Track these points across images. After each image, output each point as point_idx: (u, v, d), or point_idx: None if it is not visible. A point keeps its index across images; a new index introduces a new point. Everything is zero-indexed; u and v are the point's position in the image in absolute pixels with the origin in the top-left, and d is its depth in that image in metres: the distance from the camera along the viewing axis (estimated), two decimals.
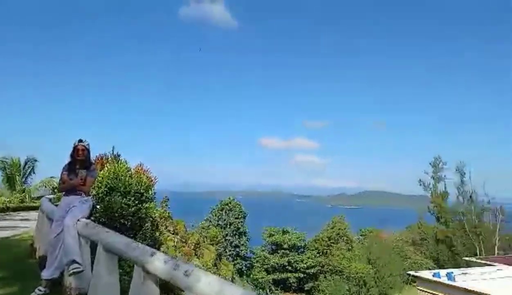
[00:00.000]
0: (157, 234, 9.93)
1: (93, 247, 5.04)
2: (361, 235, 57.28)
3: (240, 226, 43.42)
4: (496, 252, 50.97)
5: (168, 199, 24.90)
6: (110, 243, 4.41)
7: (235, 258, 41.82)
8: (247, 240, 44.16)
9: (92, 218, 6.96)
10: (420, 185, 63.17)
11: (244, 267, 42.87)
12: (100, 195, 7.63)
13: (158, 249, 10.41)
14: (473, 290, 16.40)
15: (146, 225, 8.40)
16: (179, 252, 22.62)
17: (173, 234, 23.97)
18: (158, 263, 3.36)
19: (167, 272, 3.18)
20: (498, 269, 19.26)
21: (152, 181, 8.80)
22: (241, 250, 43.07)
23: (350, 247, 44.45)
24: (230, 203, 44.62)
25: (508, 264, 20.71)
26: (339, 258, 41.68)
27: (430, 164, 62.69)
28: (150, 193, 8.29)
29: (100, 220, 7.39)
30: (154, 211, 8.84)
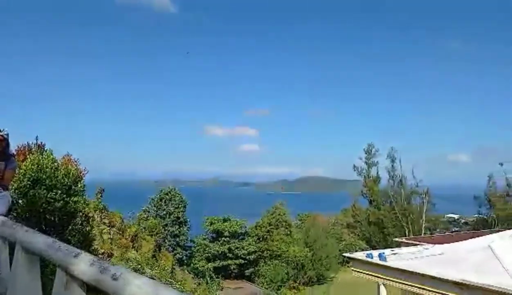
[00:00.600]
0: (88, 229, 9.36)
1: (12, 247, 4.55)
2: (299, 220, 58.88)
3: (180, 216, 42.78)
4: (423, 232, 54.71)
5: (103, 190, 23.82)
6: (29, 243, 3.97)
7: (175, 248, 41.21)
8: (187, 230, 43.67)
9: (13, 213, 6.37)
10: (355, 170, 65.96)
11: (184, 257, 42.41)
12: (22, 188, 6.98)
13: (90, 245, 9.87)
14: (403, 269, 17.30)
15: (76, 220, 7.85)
16: (116, 245, 21.76)
17: (109, 226, 23.02)
18: (83, 265, 3.02)
19: (93, 276, 2.86)
20: (425, 249, 20.48)
21: (81, 172, 8.21)
22: (182, 240, 42.52)
23: (289, 232, 45.45)
24: (170, 192, 43.76)
25: (434, 243, 22.15)
26: (279, 243, 42.55)
27: (364, 150, 65.54)
28: (80, 186, 7.71)
29: (23, 216, 6.78)
30: (85, 205, 8.26)
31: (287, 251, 41.75)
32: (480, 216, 65.34)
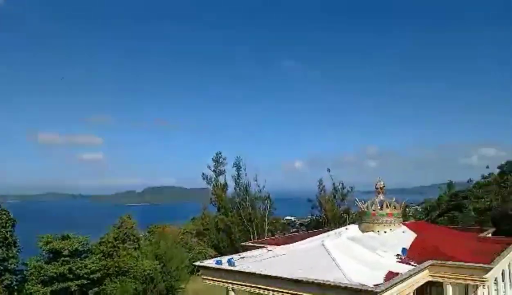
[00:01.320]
0: None
1: None
2: (148, 232, 57.29)
3: (8, 236, 37.32)
4: (266, 235, 58.88)
5: None
6: None
7: (3, 273, 35.85)
8: (17, 251, 38.35)
9: None
10: (204, 178, 67.51)
11: (14, 282, 37.14)
12: None
13: None
14: (250, 272, 18.41)
15: None
16: None
17: None
18: None
19: None
20: (269, 250, 22.17)
21: None
22: (11, 263, 37.12)
23: (137, 246, 43.83)
24: None
25: (276, 245, 24.09)
26: (126, 258, 40.61)
27: (212, 159, 67.54)
28: None
29: None
30: None
31: (136, 265, 40.09)
32: (313, 217, 73.60)
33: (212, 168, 67.46)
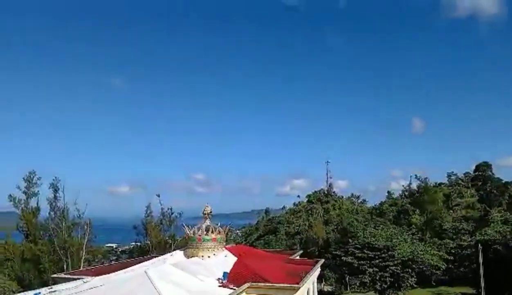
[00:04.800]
0: None
1: None
2: None
3: None
4: (82, 265, 53.88)
5: None
6: None
7: None
8: None
9: None
10: (11, 200, 58.81)
11: None
12: None
13: None
14: None
15: None
16: None
17: None
18: None
19: None
20: (85, 282, 20.34)
21: None
22: None
23: None
24: None
25: (93, 275, 22.24)
26: None
27: (23, 178, 59.46)
28: None
29: None
30: None
31: None
32: (137, 243, 70.94)
33: (23, 189, 59.24)
